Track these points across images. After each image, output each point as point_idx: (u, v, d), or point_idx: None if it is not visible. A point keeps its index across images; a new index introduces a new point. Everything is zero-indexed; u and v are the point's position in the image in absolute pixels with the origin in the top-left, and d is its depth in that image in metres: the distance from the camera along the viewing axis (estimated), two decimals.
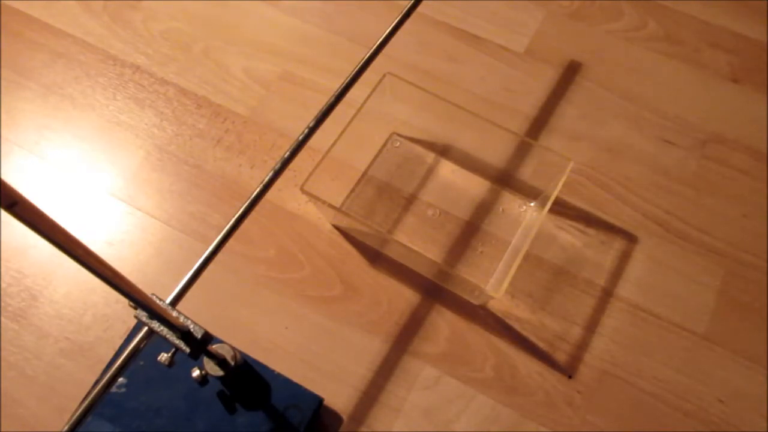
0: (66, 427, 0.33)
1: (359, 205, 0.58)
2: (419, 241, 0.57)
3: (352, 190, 0.59)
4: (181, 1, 0.68)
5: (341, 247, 0.57)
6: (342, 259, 0.56)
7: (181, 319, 0.36)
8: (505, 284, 0.47)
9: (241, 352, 0.47)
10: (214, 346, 0.45)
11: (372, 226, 0.57)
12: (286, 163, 0.42)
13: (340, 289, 0.55)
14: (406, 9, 0.46)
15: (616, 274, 0.55)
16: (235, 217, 0.40)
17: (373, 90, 0.53)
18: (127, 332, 0.54)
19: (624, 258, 0.56)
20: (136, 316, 0.36)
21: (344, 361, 0.53)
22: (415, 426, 0.51)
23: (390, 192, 0.59)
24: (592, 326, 0.54)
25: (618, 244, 0.57)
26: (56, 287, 0.56)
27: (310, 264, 0.56)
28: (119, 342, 0.53)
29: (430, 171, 0.59)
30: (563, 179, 0.51)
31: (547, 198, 0.52)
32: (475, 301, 0.54)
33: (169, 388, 0.49)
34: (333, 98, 0.44)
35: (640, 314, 0.54)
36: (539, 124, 0.62)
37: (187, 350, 0.36)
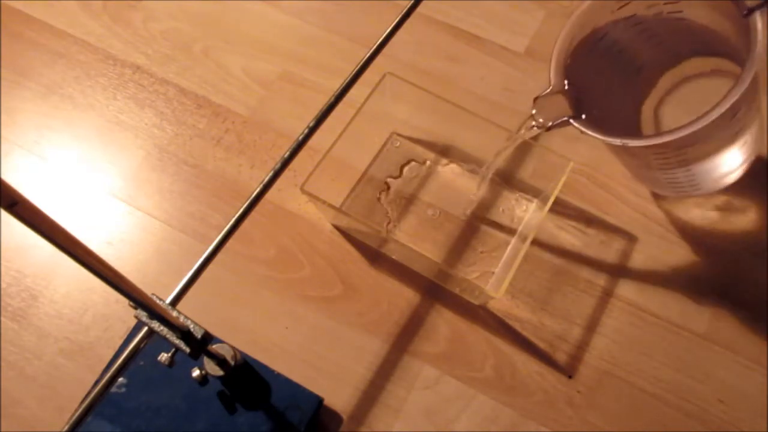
0: (66, 427, 0.33)
1: (359, 205, 0.58)
2: (419, 241, 0.57)
3: (352, 190, 0.59)
4: (181, 1, 0.68)
5: (341, 247, 0.57)
6: (342, 259, 0.56)
7: (181, 319, 0.36)
8: (505, 284, 0.47)
9: (241, 352, 0.47)
10: (214, 346, 0.45)
11: (372, 226, 0.57)
12: (286, 163, 0.42)
13: (340, 289, 0.55)
14: (406, 9, 0.46)
15: (616, 274, 0.55)
16: (235, 217, 0.40)
17: (373, 90, 0.53)
18: (127, 332, 0.54)
19: (624, 258, 0.56)
20: (136, 316, 0.36)
21: (344, 361, 0.53)
22: (415, 426, 0.51)
23: (390, 192, 0.59)
24: (592, 326, 0.54)
25: (618, 244, 0.57)
26: (56, 287, 0.56)
27: (310, 264, 0.56)
28: (119, 342, 0.53)
29: (430, 171, 0.59)
30: (563, 179, 0.51)
31: (547, 198, 0.52)
32: (475, 301, 0.54)
33: (169, 388, 0.49)
34: (333, 98, 0.44)
35: (640, 314, 0.54)
36: None
37: (187, 350, 0.36)
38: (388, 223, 0.56)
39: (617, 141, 0.44)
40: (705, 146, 0.47)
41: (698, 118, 0.41)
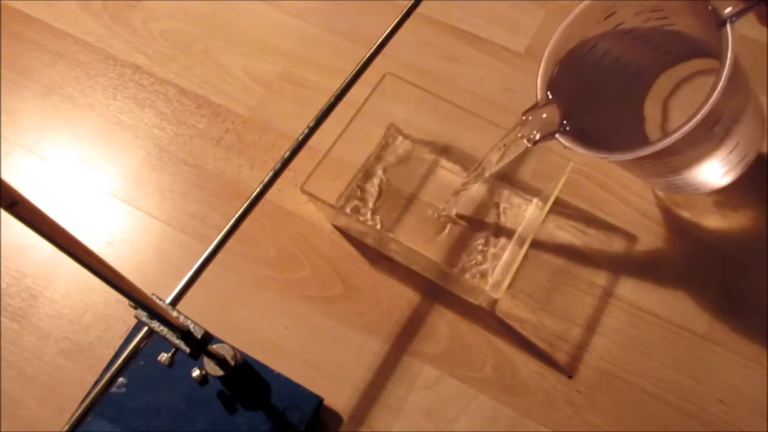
0: (66, 427, 0.33)
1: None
2: (419, 241, 0.57)
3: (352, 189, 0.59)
4: (181, 1, 0.68)
5: (341, 247, 0.57)
6: (342, 259, 0.56)
7: (181, 319, 0.36)
8: (505, 284, 0.47)
9: (241, 352, 0.47)
10: (214, 346, 0.45)
11: (372, 226, 0.57)
12: (286, 163, 0.42)
13: (340, 289, 0.55)
14: (406, 9, 0.46)
15: (616, 274, 0.55)
16: (235, 217, 0.40)
17: (373, 90, 0.53)
18: (127, 332, 0.54)
19: (624, 258, 0.56)
20: (136, 316, 0.36)
21: (344, 361, 0.53)
22: (416, 426, 0.51)
23: (390, 192, 0.59)
24: (592, 326, 0.54)
25: (618, 244, 0.57)
26: (56, 287, 0.56)
27: (310, 264, 0.56)
28: (119, 342, 0.53)
29: (430, 171, 0.59)
30: (563, 179, 0.51)
31: (547, 198, 0.52)
32: (475, 301, 0.54)
33: (169, 388, 0.49)
34: (333, 98, 0.44)
35: (640, 314, 0.54)
36: None
37: (187, 350, 0.36)
38: (383, 193, 0.56)
39: (598, 155, 0.44)
40: (691, 153, 0.47)
41: (668, 135, 0.40)
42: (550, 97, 0.47)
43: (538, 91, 0.47)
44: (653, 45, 0.50)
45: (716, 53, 0.43)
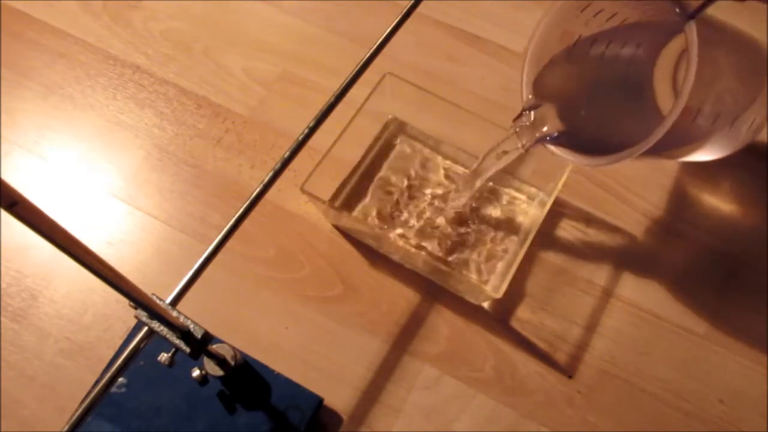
0: (66, 427, 0.33)
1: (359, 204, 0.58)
2: (419, 241, 0.57)
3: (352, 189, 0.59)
4: (181, 1, 0.68)
5: (341, 247, 0.57)
6: (342, 259, 0.56)
7: (181, 319, 0.36)
8: (505, 284, 0.47)
9: (241, 352, 0.47)
10: (214, 346, 0.45)
11: (372, 226, 0.57)
12: (286, 163, 0.42)
13: (340, 289, 0.55)
14: (406, 9, 0.46)
15: (616, 274, 0.55)
16: (235, 217, 0.40)
17: (373, 90, 0.53)
18: (127, 332, 0.54)
19: (624, 258, 0.56)
20: (136, 316, 0.36)
21: (344, 361, 0.53)
22: (416, 426, 0.51)
23: (390, 192, 0.59)
24: (592, 326, 0.54)
25: (618, 244, 0.57)
26: (56, 287, 0.56)
27: (310, 264, 0.56)
28: (119, 342, 0.53)
29: (430, 171, 0.59)
30: (563, 179, 0.51)
31: (547, 198, 0.52)
32: (475, 301, 0.54)
33: (169, 388, 0.49)
34: (333, 98, 0.44)
35: (640, 314, 0.54)
36: None
37: (187, 350, 0.36)
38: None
39: (582, 161, 0.44)
40: (680, 145, 0.46)
41: (636, 146, 0.39)
42: (538, 100, 0.47)
43: (524, 96, 0.47)
44: (643, 25, 0.49)
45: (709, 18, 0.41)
